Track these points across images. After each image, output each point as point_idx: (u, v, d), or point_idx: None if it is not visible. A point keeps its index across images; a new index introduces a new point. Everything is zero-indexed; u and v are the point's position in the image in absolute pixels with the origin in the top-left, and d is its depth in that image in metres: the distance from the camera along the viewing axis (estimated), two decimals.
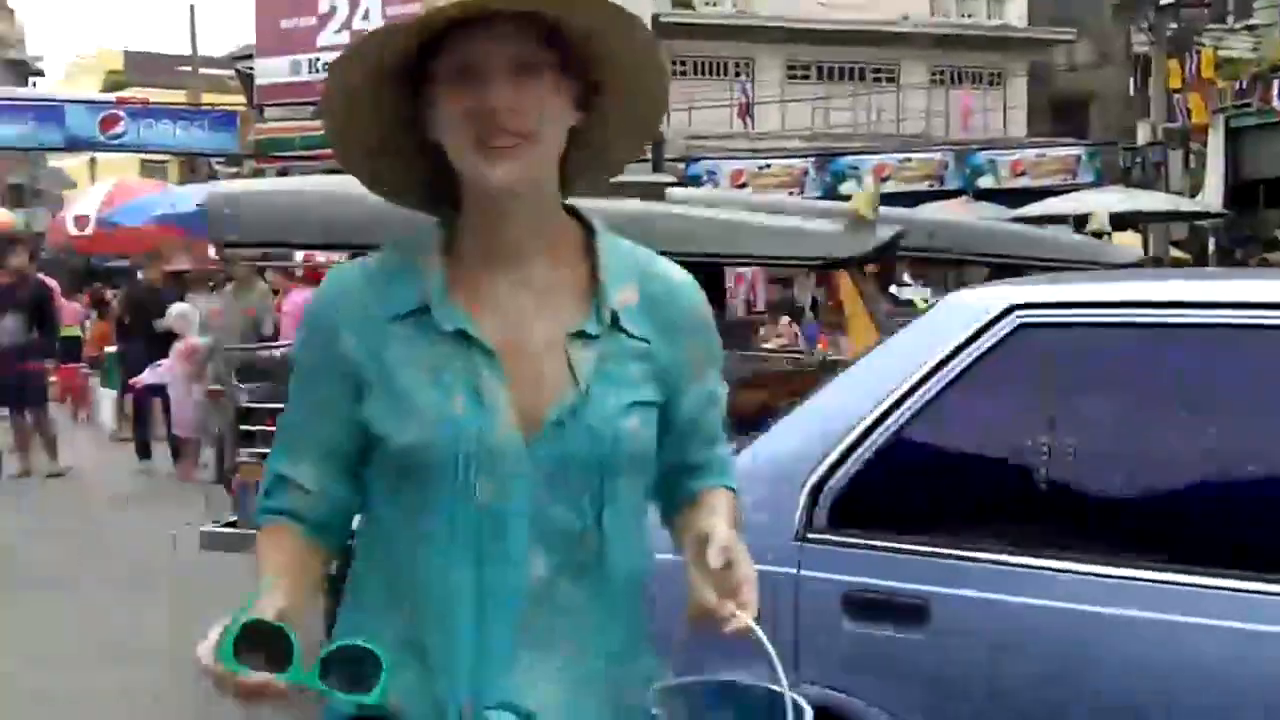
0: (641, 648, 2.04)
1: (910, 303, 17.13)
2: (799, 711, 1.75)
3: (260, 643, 1.72)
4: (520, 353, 1.94)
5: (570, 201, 2.08)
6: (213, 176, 34.24)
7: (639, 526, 2.03)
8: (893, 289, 17.74)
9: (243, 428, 6.94)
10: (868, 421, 3.36)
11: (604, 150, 2.09)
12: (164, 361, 13.76)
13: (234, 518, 6.86)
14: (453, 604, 1.90)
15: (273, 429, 2.58)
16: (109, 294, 23.45)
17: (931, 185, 30.57)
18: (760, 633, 1.78)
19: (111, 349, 17.07)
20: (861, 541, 3.32)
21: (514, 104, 1.86)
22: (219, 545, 6.95)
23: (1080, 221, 21.77)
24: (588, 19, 1.90)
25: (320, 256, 17.61)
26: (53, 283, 15.27)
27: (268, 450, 2.16)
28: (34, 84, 50.01)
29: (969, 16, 36.87)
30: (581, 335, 1.95)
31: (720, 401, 2.15)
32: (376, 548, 2.01)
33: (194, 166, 37.30)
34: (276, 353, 8.36)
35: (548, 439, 1.91)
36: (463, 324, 1.93)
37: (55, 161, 49.45)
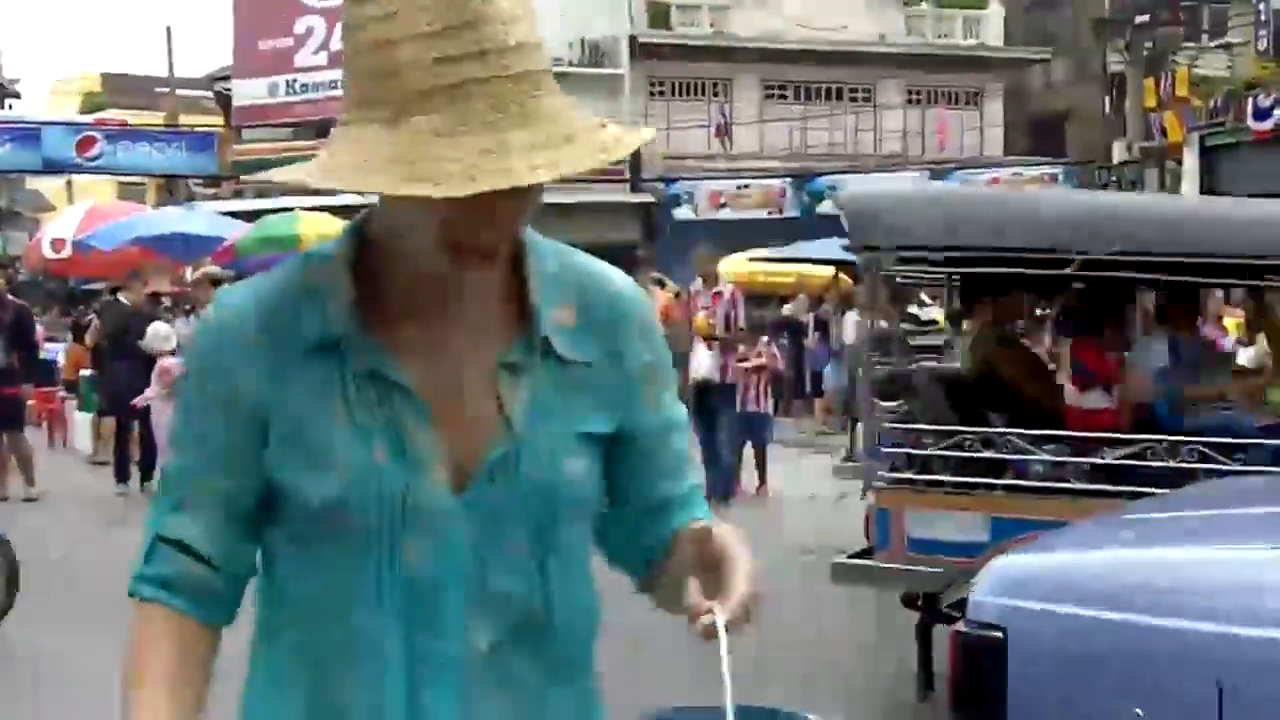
0: (592, 704, 1.83)
1: (934, 322, 17.07)
2: None
3: None
4: (446, 390, 1.68)
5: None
6: (190, 198, 34.22)
7: (586, 576, 1.79)
8: (912, 309, 17.66)
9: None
10: None
11: None
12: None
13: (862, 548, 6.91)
14: (383, 680, 1.67)
15: None
16: (86, 317, 23.40)
17: None
18: (724, 640, 1.55)
19: (88, 372, 17.01)
20: None
21: (504, 235, 1.63)
22: (854, 578, 6.97)
23: None
24: None
25: None
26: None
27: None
28: (11, 106, 49.80)
29: (945, 36, 37.02)
30: (511, 366, 1.70)
31: (682, 427, 1.88)
32: (287, 616, 1.74)
33: (172, 188, 37.21)
34: None
35: (480, 490, 1.67)
36: (379, 362, 1.67)
37: (32, 183, 49.35)
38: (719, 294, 12.87)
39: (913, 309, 17.86)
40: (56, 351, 20.80)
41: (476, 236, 1.59)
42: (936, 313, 17.38)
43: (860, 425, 9.71)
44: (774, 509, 12.88)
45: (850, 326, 18.71)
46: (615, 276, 1.83)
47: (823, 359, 20.65)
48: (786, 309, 23.24)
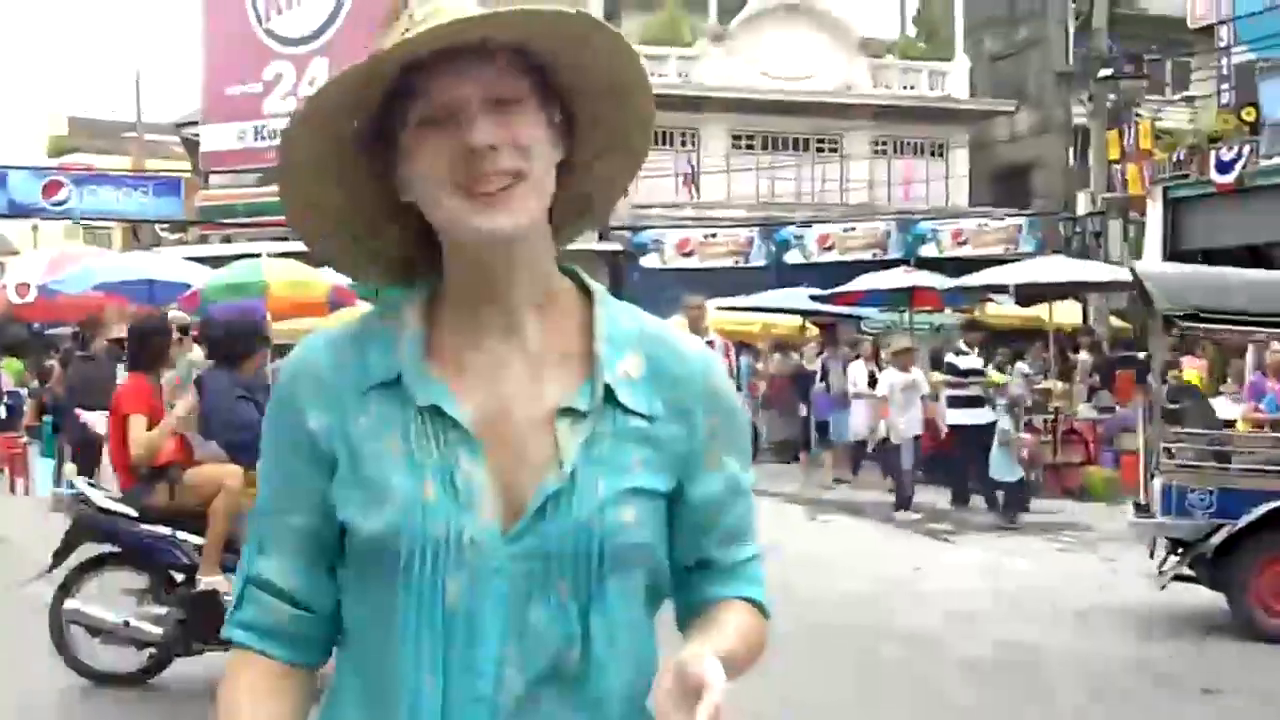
0: None
1: (980, 372, 16.71)
2: None
3: None
4: (503, 432, 1.71)
5: (572, 266, 1.85)
6: (156, 243, 34.11)
7: (638, 636, 1.76)
8: (950, 358, 17.30)
9: None
10: None
11: (591, 189, 1.87)
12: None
13: None
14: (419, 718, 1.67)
15: None
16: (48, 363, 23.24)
17: (875, 254, 30.86)
18: None
19: (49, 418, 16.90)
20: None
21: (494, 139, 1.66)
22: None
23: (1021, 290, 22.03)
24: (563, 40, 1.70)
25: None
26: None
27: None
28: None
29: (911, 88, 37.28)
30: (571, 412, 1.71)
31: (746, 493, 1.86)
32: (348, 648, 1.79)
33: (138, 233, 37.10)
34: None
35: (527, 531, 1.67)
36: (438, 398, 1.70)
37: None
38: (710, 343, 12.41)
39: (950, 358, 17.35)
40: (21, 395, 20.66)
41: (476, 159, 1.65)
42: (977, 362, 16.93)
43: (1155, 479, 10.00)
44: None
45: (860, 375, 18.53)
46: (689, 343, 1.86)
47: (825, 408, 20.42)
48: (782, 357, 23.07)
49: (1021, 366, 19.69)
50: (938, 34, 39.08)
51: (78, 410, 14.14)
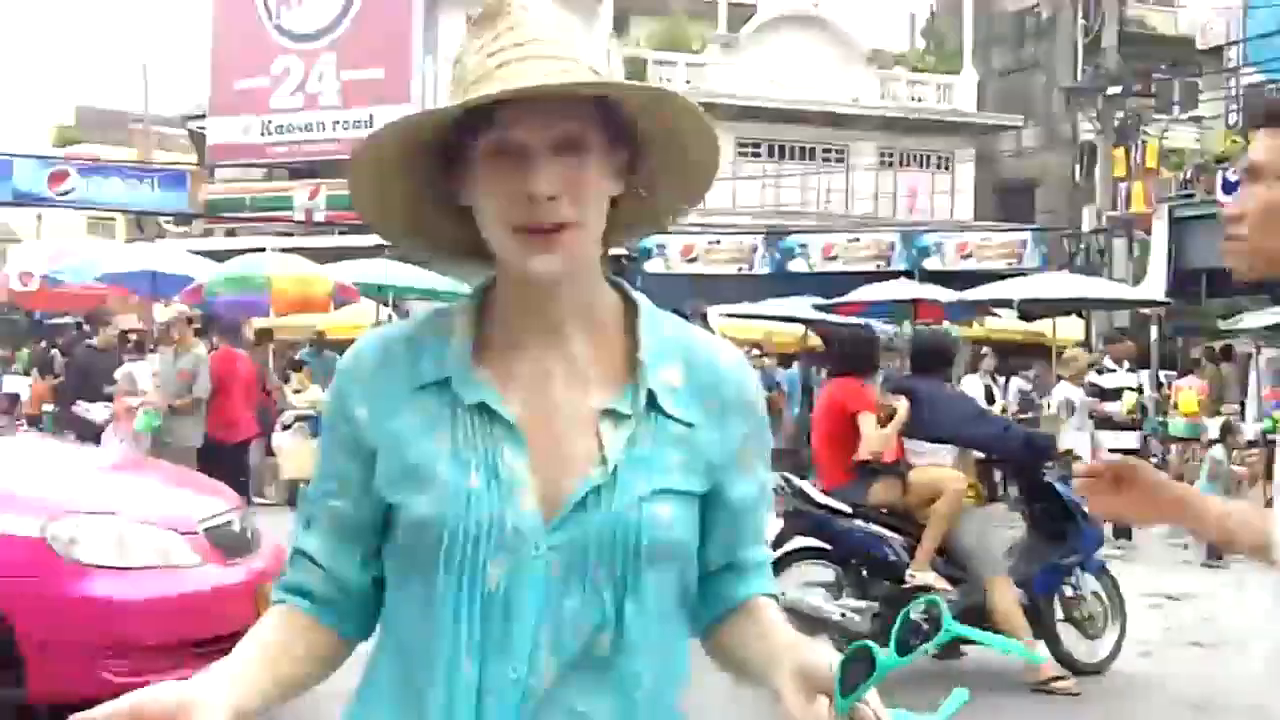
0: None
1: (1123, 390, 15.69)
2: None
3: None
4: (547, 429, 1.81)
5: (616, 278, 1.94)
6: (161, 236, 34.09)
7: (670, 629, 1.85)
8: (1092, 376, 16.53)
9: None
10: None
11: (650, 205, 1.95)
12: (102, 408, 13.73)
13: None
14: (454, 699, 1.75)
15: None
16: (50, 352, 23.21)
17: (879, 265, 30.82)
18: None
19: (51, 408, 16.91)
20: None
21: (555, 190, 1.73)
22: None
23: (1024, 305, 22.00)
24: (633, 98, 1.81)
25: (261, 321, 17.51)
26: None
27: None
28: None
29: (918, 100, 37.31)
30: (614, 414, 1.81)
31: (769, 495, 1.99)
32: (389, 630, 1.87)
33: (142, 225, 37.07)
34: None
35: (568, 522, 1.76)
36: (485, 396, 1.80)
37: (0, 215, 49.11)
38: None
39: (1093, 376, 16.18)
40: (20, 385, 20.68)
41: (533, 203, 1.73)
42: (1127, 379, 16.09)
43: None
44: None
45: (977, 390, 18.06)
46: (726, 351, 1.95)
47: None
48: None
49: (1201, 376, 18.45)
50: (946, 47, 39.12)
51: (78, 401, 14.14)
